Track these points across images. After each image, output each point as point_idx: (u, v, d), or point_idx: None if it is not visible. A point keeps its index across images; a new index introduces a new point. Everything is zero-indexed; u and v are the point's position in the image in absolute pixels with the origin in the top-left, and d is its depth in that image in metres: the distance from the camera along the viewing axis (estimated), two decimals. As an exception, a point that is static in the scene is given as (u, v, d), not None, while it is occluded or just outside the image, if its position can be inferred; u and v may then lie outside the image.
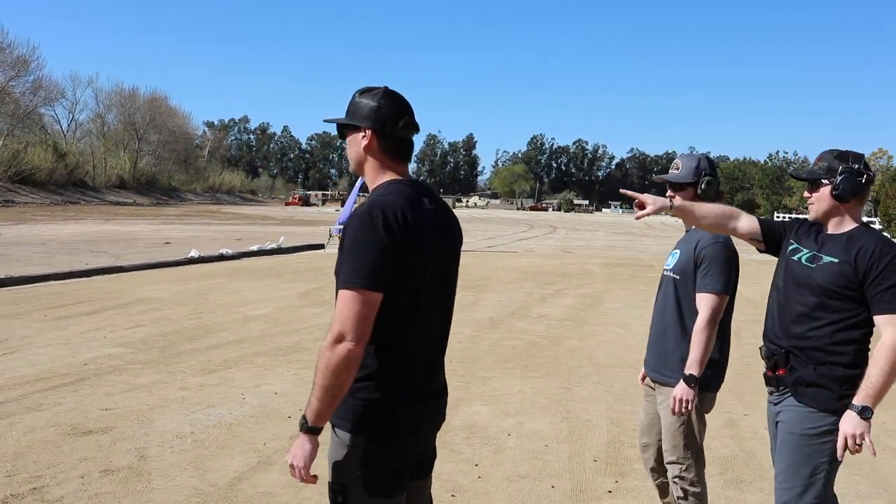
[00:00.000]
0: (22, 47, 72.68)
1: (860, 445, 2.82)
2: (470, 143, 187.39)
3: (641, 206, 3.15)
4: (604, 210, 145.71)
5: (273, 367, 7.51)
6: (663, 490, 3.96)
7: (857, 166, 3.01)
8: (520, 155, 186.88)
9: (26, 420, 5.61)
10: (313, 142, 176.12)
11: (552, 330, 10.26)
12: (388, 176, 2.46)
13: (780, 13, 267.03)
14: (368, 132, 2.43)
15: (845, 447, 2.83)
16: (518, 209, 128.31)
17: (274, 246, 21.75)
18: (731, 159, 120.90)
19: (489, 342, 9.22)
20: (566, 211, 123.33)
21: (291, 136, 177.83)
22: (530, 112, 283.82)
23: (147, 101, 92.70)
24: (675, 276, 3.71)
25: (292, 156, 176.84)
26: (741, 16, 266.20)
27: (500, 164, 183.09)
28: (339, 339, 2.20)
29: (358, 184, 25.32)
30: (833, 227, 3.07)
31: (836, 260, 2.97)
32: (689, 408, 3.53)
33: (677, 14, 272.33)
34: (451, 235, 2.53)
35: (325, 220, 46.40)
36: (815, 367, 2.96)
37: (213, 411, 5.97)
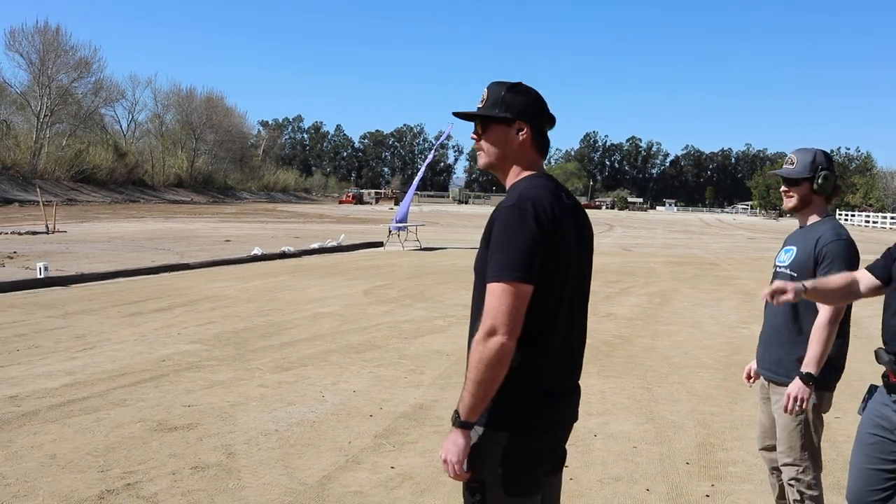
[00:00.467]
0: (84, 49, 74.03)
1: None
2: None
3: (781, 291, 2.95)
4: (658, 208, 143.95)
5: (347, 364, 7.49)
6: (783, 491, 3.82)
7: None
8: (573, 153, 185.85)
9: (112, 416, 5.65)
10: (366, 140, 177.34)
11: (622, 329, 10.08)
12: (531, 170, 2.43)
13: (836, 14, 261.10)
14: (526, 127, 2.41)
15: None
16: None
17: (334, 244, 21.84)
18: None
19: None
20: (620, 209, 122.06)
21: (344, 134, 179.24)
22: (584, 109, 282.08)
23: (204, 100, 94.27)
24: (793, 273, 3.57)
25: (345, 154, 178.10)
26: (798, 15, 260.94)
27: (552, 161, 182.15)
28: (492, 333, 2.17)
29: (415, 183, 25.34)
30: None
31: None
32: (805, 406, 3.43)
33: (733, 16, 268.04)
34: (587, 230, 2.46)
35: (381, 218, 46.67)
36: None
37: (295, 409, 5.95)
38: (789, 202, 3.73)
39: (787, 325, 3.57)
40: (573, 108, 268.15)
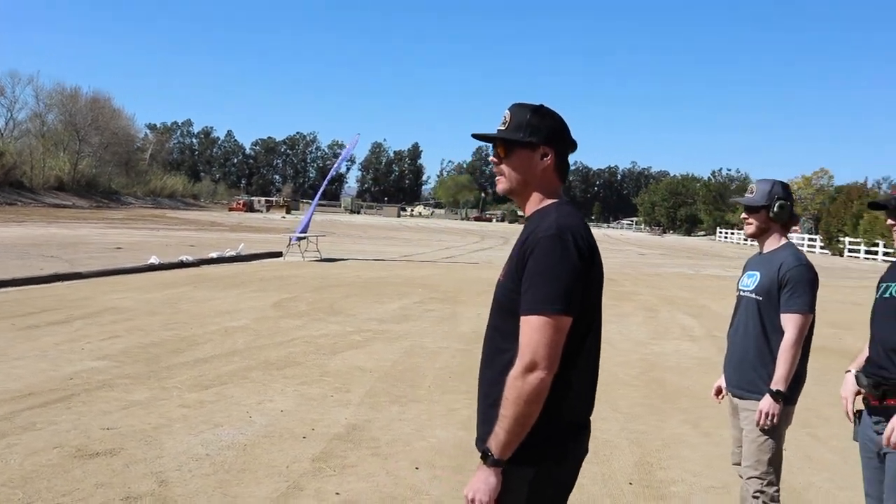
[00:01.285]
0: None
1: None
2: (415, 151, 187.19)
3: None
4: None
5: (269, 382, 7.23)
6: None
7: None
8: (465, 165, 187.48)
9: (24, 441, 5.25)
10: (257, 147, 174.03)
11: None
12: (554, 197, 2.34)
13: (727, 29, 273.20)
14: (551, 153, 2.33)
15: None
16: (462, 219, 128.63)
17: (233, 253, 21.26)
18: (672, 175, 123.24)
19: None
20: (510, 222, 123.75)
21: (235, 140, 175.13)
22: (476, 122, 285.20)
23: (89, 101, 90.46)
24: (759, 297, 3.75)
25: (235, 161, 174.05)
26: (684, 32, 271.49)
27: (444, 173, 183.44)
28: (532, 368, 2.09)
29: (319, 193, 24.96)
30: None
31: None
32: (775, 421, 3.59)
33: (619, 28, 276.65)
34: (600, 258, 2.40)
35: (275, 227, 45.83)
36: None
37: (223, 431, 5.68)
38: (749, 228, 3.90)
39: (758, 347, 3.72)
40: (466, 121, 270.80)
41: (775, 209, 3.77)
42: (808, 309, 3.60)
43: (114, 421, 5.78)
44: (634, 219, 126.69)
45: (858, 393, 3.21)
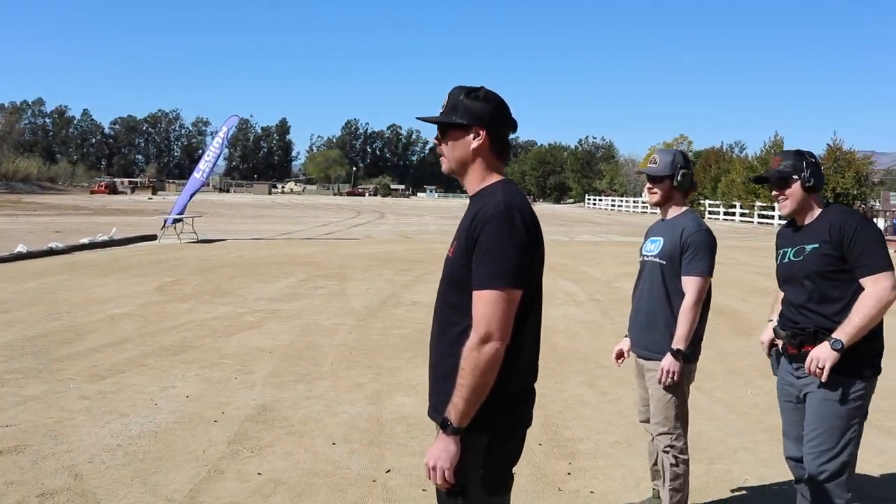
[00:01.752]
0: None
1: (821, 369, 3.19)
2: (283, 127, 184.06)
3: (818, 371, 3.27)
4: (419, 195, 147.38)
5: (169, 368, 7.10)
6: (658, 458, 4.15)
7: (814, 159, 3.43)
8: (334, 140, 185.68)
9: (-82, 443, 5.01)
10: (117, 126, 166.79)
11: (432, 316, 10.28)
12: (497, 176, 2.45)
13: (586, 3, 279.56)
14: (482, 133, 2.41)
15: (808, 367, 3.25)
16: (335, 194, 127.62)
17: (105, 238, 20.45)
18: (539, 144, 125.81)
19: (377, 331, 9.14)
20: (383, 196, 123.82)
21: (92, 119, 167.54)
22: (344, 96, 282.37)
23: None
24: (662, 261, 3.95)
25: (94, 141, 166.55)
26: (544, 4, 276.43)
27: (314, 149, 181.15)
28: (487, 339, 2.21)
29: (193, 178, 24.16)
30: (808, 218, 3.45)
31: (816, 245, 3.33)
32: (676, 379, 3.81)
33: (476, 9, 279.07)
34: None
35: (144, 209, 44.28)
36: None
37: (130, 420, 5.58)
38: (653, 197, 4.10)
39: (661, 309, 3.92)
40: (334, 95, 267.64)
41: (679, 178, 3.97)
42: (707, 272, 3.84)
43: (11, 417, 5.57)
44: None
45: (773, 342, 3.61)
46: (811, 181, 3.37)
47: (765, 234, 33.13)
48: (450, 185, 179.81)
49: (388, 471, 4.75)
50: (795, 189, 3.39)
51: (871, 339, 3.27)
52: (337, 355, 7.81)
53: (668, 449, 3.93)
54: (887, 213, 30.34)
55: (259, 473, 4.63)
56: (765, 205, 43.94)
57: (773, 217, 42.82)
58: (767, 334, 3.70)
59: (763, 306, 11.70)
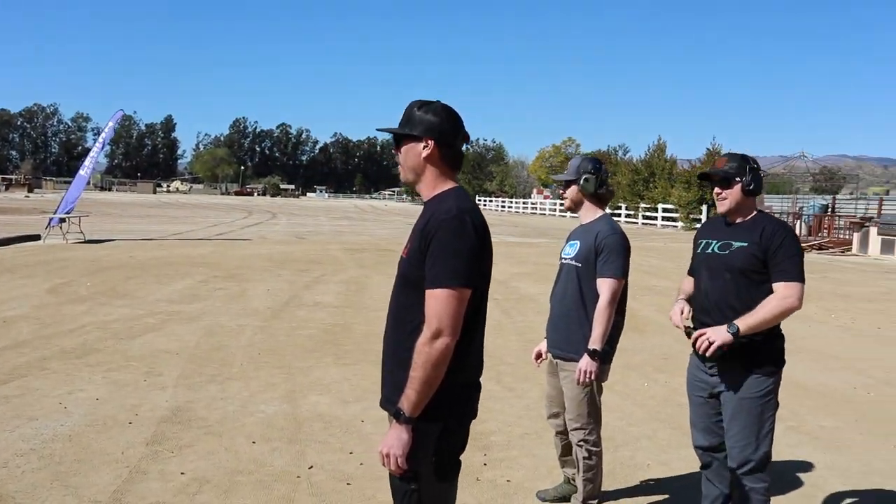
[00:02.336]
0: None
1: (709, 343, 3.42)
2: (169, 124, 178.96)
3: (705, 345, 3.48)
4: (309, 195, 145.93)
5: (73, 371, 6.96)
6: (566, 450, 4.40)
7: (756, 165, 3.66)
8: (222, 138, 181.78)
9: None
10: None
11: (336, 317, 10.38)
12: (449, 183, 2.62)
13: (465, 14, 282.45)
14: (431, 143, 2.58)
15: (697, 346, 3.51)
16: (223, 194, 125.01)
17: (-16, 238, 19.53)
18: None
19: (283, 332, 9.17)
20: (273, 196, 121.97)
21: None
22: (233, 94, 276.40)
23: None
24: (578, 264, 4.14)
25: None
26: (444, 16, 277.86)
27: (201, 147, 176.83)
28: (438, 335, 2.37)
29: (89, 170, 23.32)
30: (741, 218, 3.66)
31: (745, 244, 3.54)
32: (593, 378, 4.01)
33: (379, 8, 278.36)
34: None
35: (21, 207, 42.34)
36: (754, 338, 3.46)
37: (41, 424, 5.48)
38: (566, 202, 4.32)
39: (576, 309, 4.13)
40: (222, 93, 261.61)
41: (581, 182, 4.22)
42: (620, 274, 4.05)
43: (-89, 424, 5.39)
44: (397, 189, 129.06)
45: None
46: (751, 185, 3.59)
47: (649, 235, 34.50)
48: (340, 185, 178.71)
49: (311, 467, 4.85)
50: (735, 190, 3.60)
51: (777, 337, 3.55)
52: (245, 356, 7.82)
53: (581, 443, 4.16)
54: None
55: (182, 473, 4.66)
56: (648, 206, 45.60)
57: (656, 218, 44.55)
58: (677, 312, 3.80)
59: (652, 304, 12.29)
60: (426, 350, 2.38)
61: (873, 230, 24.81)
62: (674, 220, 42.88)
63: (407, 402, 2.42)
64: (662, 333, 9.77)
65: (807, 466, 5.20)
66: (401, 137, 2.65)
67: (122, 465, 4.74)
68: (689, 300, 3.84)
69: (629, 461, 5.17)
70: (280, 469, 4.80)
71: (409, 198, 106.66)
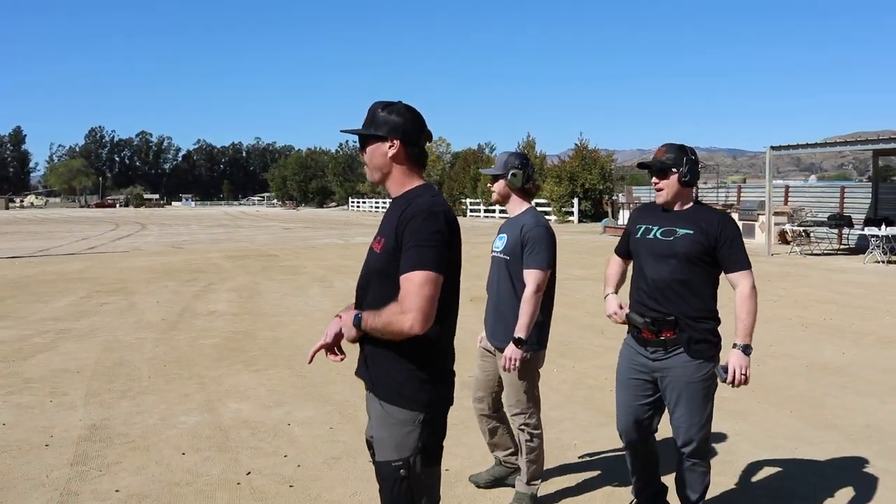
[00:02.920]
0: None
1: (745, 375, 3.53)
2: (18, 136, 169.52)
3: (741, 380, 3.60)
4: (175, 203, 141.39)
5: (-30, 397, 6.62)
6: (492, 433, 4.55)
7: (694, 157, 3.76)
8: (77, 149, 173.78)
9: None
10: None
11: (237, 325, 10.23)
12: (418, 181, 2.71)
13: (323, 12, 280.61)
14: (396, 142, 2.66)
15: (733, 378, 3.53)
16: (82, 206, 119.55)
17: None
18: (298, 149, 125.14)
19: (184, 343, 8.97)
20: (136, 206, 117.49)
21: None
22: (87, 103, 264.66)
23: None
24: (506, 256, 4.28)
25: None
26: (304, 22, 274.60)
27: (55, 159, 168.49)
28: (408, 311, 2.43)
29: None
30: (678, 206, 3.75)
31: (690, 231, 3.62)
32: (517, 365, 4.13)
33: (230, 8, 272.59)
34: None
35: None
36: (698, 325, 3.61)
37: (-50, 453, 5.21)
38: (494, 196, 4.46)
39: (508, 299, 4.26)
40: (75, 102, 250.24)
41: (509, 177, 4.37)
42: (545, 265, 4.17)
43: None
44: (266, 194, 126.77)
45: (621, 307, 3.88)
46: (688, 176, 3.66)
47: (525, 229, 35.17)
48: (206, 193, 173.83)
49: (249, 473, 4.83)
50: (672, 181, 3.66)
51: (715, 323, 3.67)
52: (152, 369, 7.62)
53: (523, 427, 4.31)
54: (631, 205, 33.34)
55: (117, 490, 4.55)
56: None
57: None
58: (614, 307, 3.88)
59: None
60: (393, 319, 2.45)
61: (735, 216, 26.28)
62: (546, 213, 44.02)
63: (368, 319, 2.53)
64: (559, 321, 10.09)
65: (719, 435, 5.54)
66: (366, 138, 2.71)
67: (52, 489, 4.58)
68: (618, 285, 4.01)
69: (556, 442, 5.37)
70: (218, 477, 4.75)
71: (280, 203, 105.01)
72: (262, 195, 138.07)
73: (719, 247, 3.60)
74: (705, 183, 39.89)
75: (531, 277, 4.15)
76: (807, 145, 21.23)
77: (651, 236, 3.75)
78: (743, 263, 3.61)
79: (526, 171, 4.36)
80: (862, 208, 22.82)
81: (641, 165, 3.96)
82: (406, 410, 2.58)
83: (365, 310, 2.66)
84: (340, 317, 2.71)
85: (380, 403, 2.64)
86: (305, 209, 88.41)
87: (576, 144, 44.15)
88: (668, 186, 3.70)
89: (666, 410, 3.84)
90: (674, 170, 3.67)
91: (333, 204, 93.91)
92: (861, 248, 20.81)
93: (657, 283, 3.67)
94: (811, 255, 20.61)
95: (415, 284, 2.45)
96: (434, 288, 2.48)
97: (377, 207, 71.18)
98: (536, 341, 4.24)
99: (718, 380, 3.65)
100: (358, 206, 77.21)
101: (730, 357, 3.57)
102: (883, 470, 4.89)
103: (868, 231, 18.96)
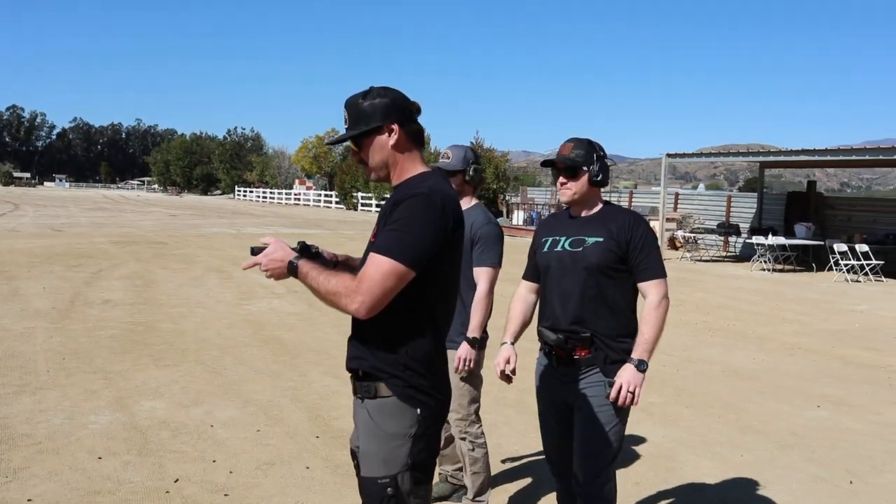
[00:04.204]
0: None
1: (632, 394, 3.07)
2: None
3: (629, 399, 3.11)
4: (48, 184, 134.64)
5: None
6: (446, 442, 4.31)
7: (603, 153, 3.34)
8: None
9: None
10: None
11: (135, 315, 9.65)
12: (422, 166, 2.49)
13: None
14: (395, 127, 2.42)
15: (617, 395, 3.06)
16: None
17: None
18: (181, 133, 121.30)
19: (81, 334, 8.38)
20: (5, 185, 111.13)
21: None
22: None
23: None
24: None
25: None
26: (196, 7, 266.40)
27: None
28: (354, 295, 2.23)
29: None
30: (586, 210, 3.29)
31: (600, 239, 3.17)
32: (471, 366, 3.94)
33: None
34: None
35: None
36: (616, 343, 3.17)
37: None
38: None
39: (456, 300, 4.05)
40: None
41: (471, 173, 4.16)
42: (496, 263, 4.01)
43: None
44: (147, 179, 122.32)
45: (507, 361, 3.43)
46: (599, 175, 3.25)
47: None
48: (81, 174, 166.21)
49: (177, 480, 4.46)
50: (583, 181, 3.23)
51: (631, 341, 3.20)
52: (49, 362, 7.05)
53: (464, 436, 4.10)
54: (525, 206, 33.72)
55: (29, 500, 4.11)
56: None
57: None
58: (502, 360, 3.41)
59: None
60: (344, 291, 2.24)
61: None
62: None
63: (304, 272, 2.32)
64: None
65: (656, 441, 5.52)
66: (362, 138, 2.45)
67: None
68: (519, 332, 3.53)
69: (498, 449, 5.21)
70: (143, 485, 4.37)
71: (162, 188, 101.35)
72: (142, 179, 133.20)
73: (630, 252, 3.18)
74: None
75: (484, 276, 3.98)
76: (701, 154, 21.99)
77: (559, 248, 3.27)
78: (656, 271, 3.20)
79: (478, 166, 4.20)
80: (746, 217, 23.75)
81: (546, 163, 3.41)
82: (397, 423, 2.35)
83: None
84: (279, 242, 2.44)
85: (368, 413, 2.39)
86: (189, 196, 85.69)
87: (471, 142, 44.34)
88: (578, 187, 3.24)
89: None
90: (584, 168, 3.23)
91: (218, 192, 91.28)
92: (745, 255, 21.66)
93: (569, 298, 3.20)
94: (700, 261, 21.31)
95: (380, 272, 2.22)
96: (398, 282, 2.24)
97: (264, 198, 69.59)
98: (480, 343, 4.04)
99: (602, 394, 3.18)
100: (244, 195, 75.25)
101: (621, 372, 3.11)
102: (816, 477, 4.96)
103: (755, 240, 19.71)
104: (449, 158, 4.16)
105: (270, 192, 68.74)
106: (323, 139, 69.41)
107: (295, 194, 64.33)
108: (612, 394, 3.08)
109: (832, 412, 6.48)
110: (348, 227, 32.50)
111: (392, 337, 2.36)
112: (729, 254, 23.55)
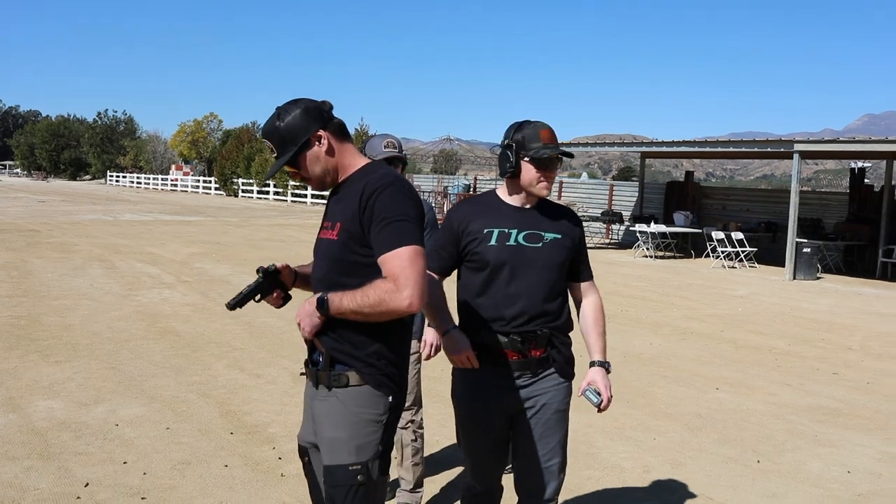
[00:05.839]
0: None
1: (609, 399, 3.01)
2: None
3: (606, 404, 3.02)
4: None
5: None
6: None
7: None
8: None
9: None
10: None
11: (15, 309, 9.08)
12: (362, 158, 2.53)
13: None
14: (321, 133, 2.44)
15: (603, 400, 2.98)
16: None
17: None
18: (45, 115, 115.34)
19: (-43, 330, 7.83)
20: None
21: None
22: None
23: None
24: None
25: None
26: None
27: None
28: (403, 289, 2.24)
29: None
30: (530, 202, 2.98)
31: (558, 236, 2.95)
32: (434, 353, 3.84)
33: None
34: None
35: None
36: (566, 339, 3.01)
37: None
38: None
39: None
40: None
41: (405, 160, 4.15)
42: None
43: None
44: (9, 163, 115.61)
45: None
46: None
47: (302, 212, 34.71)
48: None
49: (87, 484, 4.20)
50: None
51: (570, 340, 3.05)
52: (-75, 361, 6.55)
53: (408, 424, 4.09)
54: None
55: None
56: (297, 184, 45.73)
57: (305, 196, 44.83)
58: (466, 345, 2.88)
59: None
60: (388, 297, 2.24)
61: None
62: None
63: (339, 301, 2.30)
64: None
65: (570, 428, 5.56)
66: (294, 158, 2.45)
67: None
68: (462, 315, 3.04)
69: (436, 445, 5.14)
70: (50, 491, 4.09)
71: (26, 173, 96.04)
72: (3, 163, 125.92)
73: (574, 251, 3.00)
74: (464, 173, 41.21)
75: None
76: (587, 143, 22.46)
77: (512, 242, 2.89)
78: (590, 271, 3.13)
79: (404, 157, 4.19)
80: (627, 206, 24.49)
81: (566, 154, 3.01)
82: (371, 410, 2.39)
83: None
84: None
85: (339, 401, 2.39)
86: (56, 181, 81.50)
87: (356, 129, 43.93)
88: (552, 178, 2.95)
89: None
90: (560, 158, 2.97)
91: (88, 177, 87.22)
92: (627, 242, 22.36)
93: (524, 296, 2.88)
94: (586, 248, 21.82)
95: (407, 259, 2.26)
96: (424, 261, 2.31)
97: (139, 183, 66.95)
98: (418, 330, 4.01)
99: (591, 404, 3.00)
100: (117, 181, 72.16)
101: (596, 378, 3.00)
102: (726, 457, 5.13)
103: (638, 227, 20.34)
104: (395, 147, 4.13)
105: (146, 178, 66.16)
106: (201, 123, 67.40)
107: (172, 180, 62.07)
108: (604, 403, 2.99)
109: (732, 394, 6.73)
110: (230, 213, 31.65)
111: (367, 326, 2.36)
112: (612, 241, 24.24)
